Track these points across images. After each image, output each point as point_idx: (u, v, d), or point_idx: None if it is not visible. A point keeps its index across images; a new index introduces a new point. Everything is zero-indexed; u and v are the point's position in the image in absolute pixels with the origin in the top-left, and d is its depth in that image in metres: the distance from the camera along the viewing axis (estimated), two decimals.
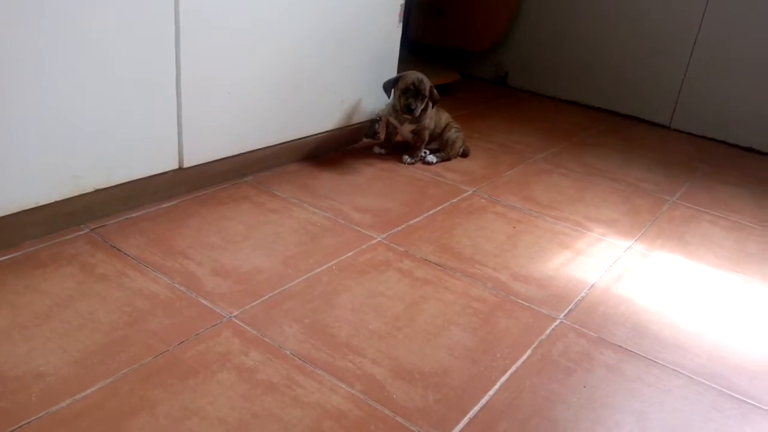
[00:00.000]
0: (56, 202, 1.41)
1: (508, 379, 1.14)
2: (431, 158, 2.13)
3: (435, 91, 2.05)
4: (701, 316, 1.42)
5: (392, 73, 2.20)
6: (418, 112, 2.00)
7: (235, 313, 1.23)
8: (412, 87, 1.99)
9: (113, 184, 1.51)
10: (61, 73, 1.32)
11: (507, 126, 2.64)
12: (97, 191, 1.48)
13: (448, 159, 2.17)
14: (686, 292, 1.52)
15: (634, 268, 1.60)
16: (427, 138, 2.12)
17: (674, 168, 2.36)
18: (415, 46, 3.31)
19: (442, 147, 2.17)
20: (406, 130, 2.10)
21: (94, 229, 1.47)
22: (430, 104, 2.06)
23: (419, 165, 2.11)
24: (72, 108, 1.36)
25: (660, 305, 1.44)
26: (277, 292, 1.32)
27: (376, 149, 2.17)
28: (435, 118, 2.14)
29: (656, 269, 1.61)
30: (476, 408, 1.06)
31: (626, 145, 2.56)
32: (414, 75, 2.01)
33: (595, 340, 1.29)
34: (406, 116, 2.03)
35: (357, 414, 1.02)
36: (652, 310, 1.42)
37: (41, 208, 1.38)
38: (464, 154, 2.22)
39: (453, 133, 2.16)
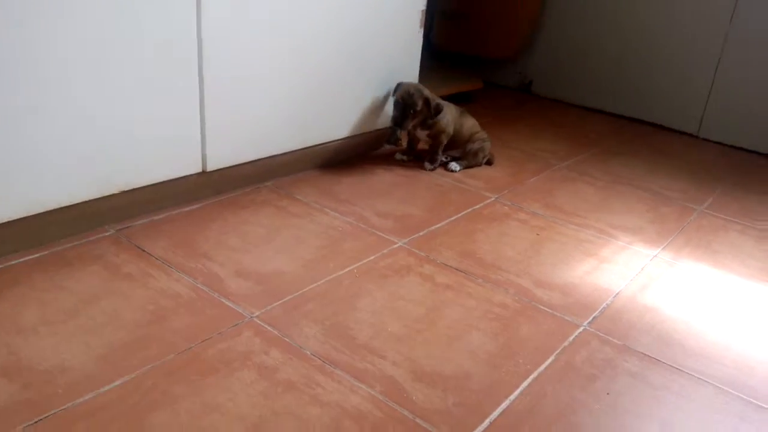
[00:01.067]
0: (83, 203, 1.43)
1: (529, 385, 1.13)
2: (454, 166, 2.11)
3: (436, 101, 2.00)
4: (729, 325, 1.39)
5: (413, 80, 2.20)
6: (407, 126, 1.99)
7: (257, 314, 1.24)
8: (400, 101, 1.96)
9: (139, 186, 1.54)
10: (87, 78, 1.35)
11: (531, 134, 2.63)
12: (123, 193, 1.51)
13: (471, 167, 2.15)
14: (714, 301, 1.49)
15: (660, 276, 1.58)
16: (444, 141, 2.08)
17: (702, 177, 2.32)
18: (439, 53, 3.32)
19: (463, 156, 2.15)
20: (420, 135, 2.09)
21: (120, 230, 1.50)
22: (433, 113, 2.02)
23: (441, 171, 2.11)
24: (99, 111, 1.39)
25: (687, 314, 1.42)
26: (298, 293, 1.32)
27: (398, 156, 2.17)
28: (457, 122, 2.11)
29: (683, 278, 1.58)
30: (497, 412, 1.05)
31: (653, 154, 2.53)
32: (405, 88, 1.97)
33: (620, 347, 1.27)
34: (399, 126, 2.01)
35: (376, 414, 1.01)
36: (679, 319, 1.40)
37: (68, 208, 1.41)
38: (488, 163, 2.21)
39: (476, 145, 2.13)
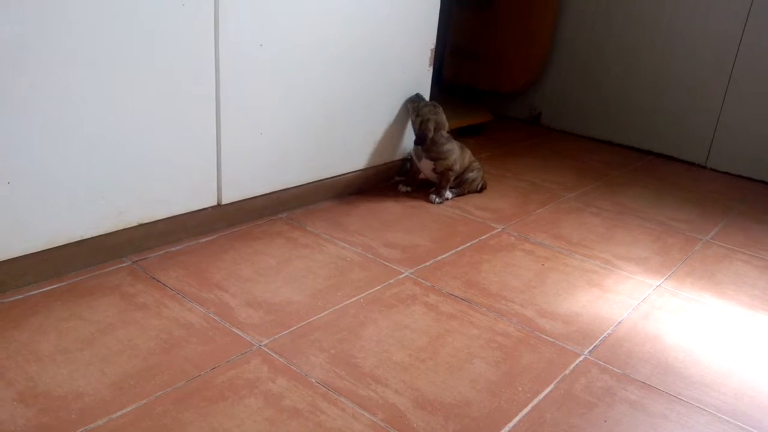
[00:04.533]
0: (101, 236, 1.50)
1: (528, 412, 1.15)
2: (447, 194, 2.18)
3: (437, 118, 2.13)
4: (730, 355, 1.41)
5: None
6: (430, 134, 2.08)
7: (265, 342, 1.28)
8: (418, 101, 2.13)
9: (155, 219, 1.60)
10: (107, 114, 1.42)
11: (539, 165, 2.67)
12: (140, 226, 1.57)
13: (463, 194, 2.24)
14: (715, 331, 1.50)
15: (662, 306, 1.60)
16: (452, 178, 2.16)
17: (708, 207, 2.34)
18: (450, 87, 3.40)
19: (460, 183, 2.22)
20: (425, 167, 2.15)
21: (136, 261, 1.56)
22: (444, 140, 2.12)
23: (448, 203, 2.15)
24: (118, 147, 1.46)
25: (688, 344, 1.44)
26: (305, 323, 1.37)
27: (402, 187, 2.23)
28: (460, 159, 2.18)
29: (685, 308, 1.60)
30: None
31: (659, 185, 2.56)
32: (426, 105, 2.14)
33: (619, 376, 1.29)
34: (419, 146, 2.11)
35: None
36: (680, 348, 1.42)
37: (87, 241, 1.47)
38: (482, 189, 2.28)
39: (474, 174, 2.23)
